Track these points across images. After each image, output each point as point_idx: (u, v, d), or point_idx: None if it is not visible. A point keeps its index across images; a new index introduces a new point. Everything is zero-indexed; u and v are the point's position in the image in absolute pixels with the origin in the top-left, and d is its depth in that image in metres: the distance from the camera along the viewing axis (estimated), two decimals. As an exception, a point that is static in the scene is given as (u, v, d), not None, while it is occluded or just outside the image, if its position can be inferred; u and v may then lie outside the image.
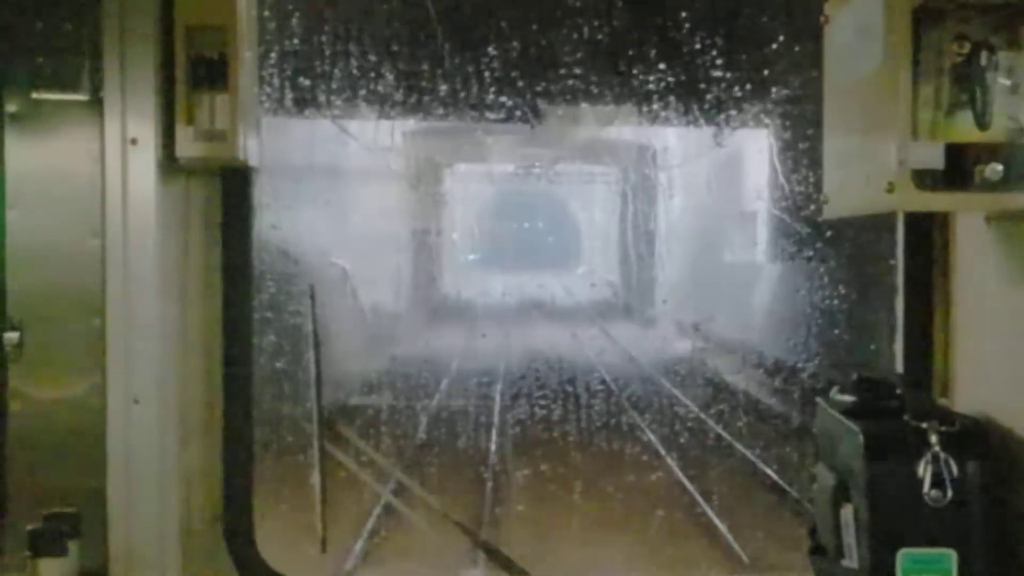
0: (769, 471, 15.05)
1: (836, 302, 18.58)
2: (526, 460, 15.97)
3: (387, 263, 29.20)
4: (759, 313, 23.91)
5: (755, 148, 24.32)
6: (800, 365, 19.65)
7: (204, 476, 3.92)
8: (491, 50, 19.11)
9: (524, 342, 30.23)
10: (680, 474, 15.33)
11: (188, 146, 3.67)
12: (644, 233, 37.19)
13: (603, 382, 22.37)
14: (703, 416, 19.09)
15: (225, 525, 3.93)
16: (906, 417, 3.18)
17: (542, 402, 20.25)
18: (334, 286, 20.02)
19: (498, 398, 20.97)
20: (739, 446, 16.78)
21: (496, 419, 18.82)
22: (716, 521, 12.98)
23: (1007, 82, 2.87)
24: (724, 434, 17.73)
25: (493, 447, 16.90)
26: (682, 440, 17.52)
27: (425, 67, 19.76)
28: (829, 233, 18.28)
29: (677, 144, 32.41)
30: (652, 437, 17.64)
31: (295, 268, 16.09)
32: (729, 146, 26.27)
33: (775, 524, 12.49)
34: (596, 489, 14.25)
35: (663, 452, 16.66)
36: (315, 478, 4.33)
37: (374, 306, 25.40)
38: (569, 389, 21.38)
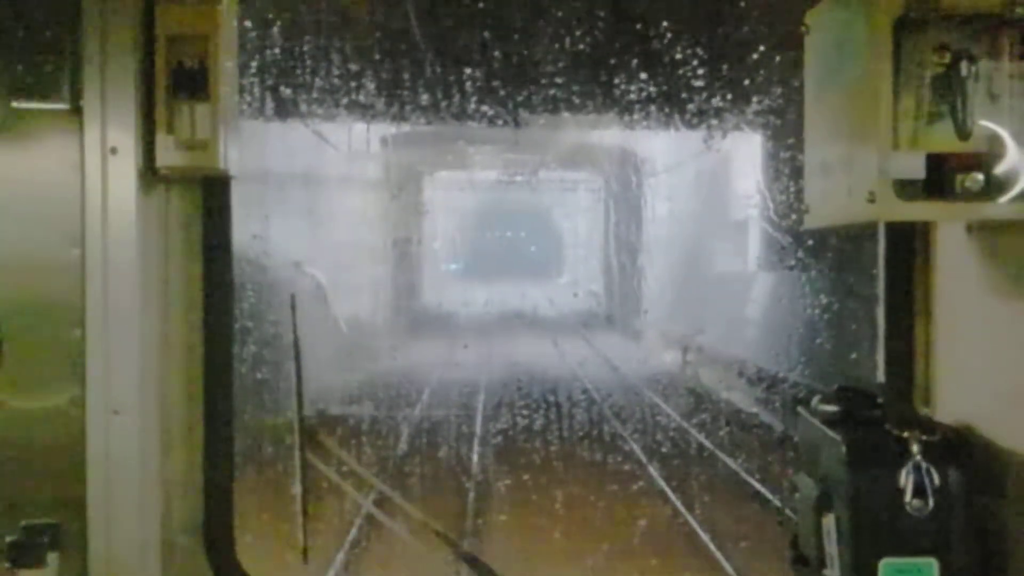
0: (752, 481, 15.04)
1: (819, 312, 18.55)
2: (508, 471, 15.94)
3: (366, 273, 29.11)
4: (745, 324, 23.85)
5: (740, 157, 24.37)
6: (782, 375, 19.65)
7: (184, 487, 3.90)
8: (473, 59, 19.12)
9: (506, 353, 30.21)
10: (663, 484, 15.31)
11: (168, 155, 3.66)
12: (627, 242, 37.19)
13: (585, 391, 22.34)
14: (685, 425, 19.11)
15: (205, 536, 3.91)
16: (887, 426, 3.19)
17: (524, 412, 20.22)
18: (310, 298, 19.92)
19: (480, 408, 20.95)
20: (721, 455, 16.78)
21: (478, 429, 18.76)
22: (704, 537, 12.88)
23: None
24: (706, 443, 17.73)
25: (475, 457, 16.87)
26: (664, 450, 17.51)
27: (407, 76, 19.76)
28: (811, 242, 18.31)
29: (661, 152, 32.45)
30: (635, 447, 17.64)
31: (270, 279, 16.00)
32: (714, 154, 26.29)
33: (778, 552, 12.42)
34: (579, 502, 14.21)
35: (644, 460, 16.66)
36: (296, 487, 4.31)
37: (352, 318, 25.28)
38: (551, 399, 21.37)
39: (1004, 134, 2.88)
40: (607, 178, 41.05)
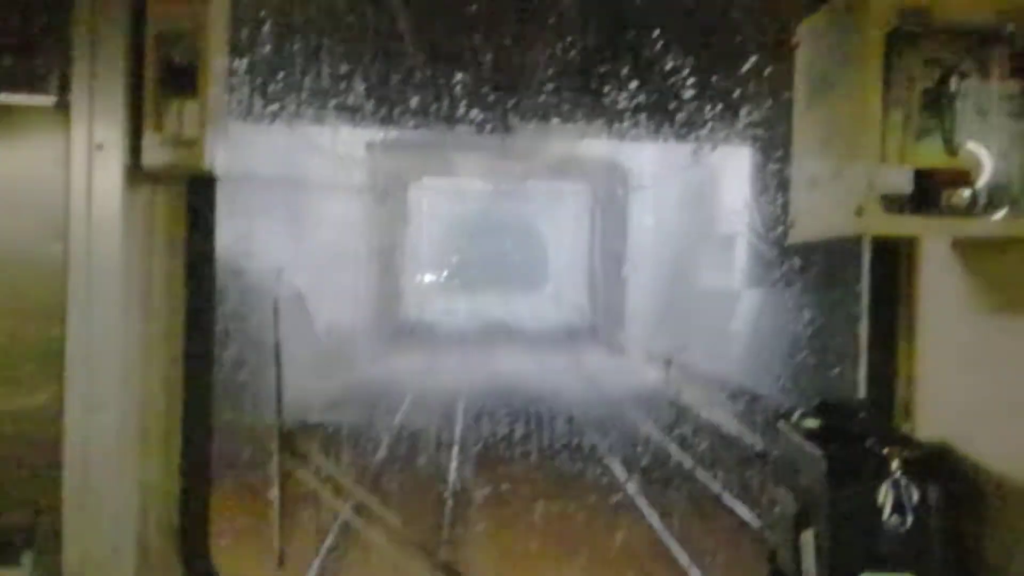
0: (729, 497, 15.02)
1: (803, 328, 18.52)
2: (485, 483, 15.86)
3: (348, 281, 28.96)
4: (729, 340, 23.76)
5: (729, 169, 24.38)
6: (764, 392, 19.62)
7: (161, 489, 3.88)
8: (463, 65, 19.12)
9: (487, 368, 30.11)
10: (639, 498, 15.26)
11: (155, 153, 3.64)
12: (613, 254, 37.21)
13: (569, 414, 22.18)
14: (664, 440, 19.10)
15: (181, 539, 3.89)
16: (868, 442, 3.19)
17: (504, 424, 20.17)
18: (290, 308, 19.75)
19: (459, 424, 20.86)
20: (700, 471, 16.76)
21: (455, 453, 18.47)
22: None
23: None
24: (684, 459, 17.72)
25: (452, 474, 16.74)
26: (643, 463, 17.48)
27: (396, 81, 19.75)
28: (797, 258, 18.31)
29: (649, 164, 32.50)
30: (613, 462, 17.63)
31: (249, 286, 15.89)
32: (702, 168, 26.31)
33: None
34: (554, 516, 14.12)
35: (622, 477, 16.62)
36: (273, 492, 4.29)
37: (333, 326, 25.12)
38: (532, 410, 21.35)
39: (992, 151, 2.89)
40: (594, 189, 41.09)
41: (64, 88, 3.62)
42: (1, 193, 3.62)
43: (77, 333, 3.65)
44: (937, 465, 3.16)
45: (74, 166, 3.64)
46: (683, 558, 12.55)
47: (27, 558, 3.50)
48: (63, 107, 3.63)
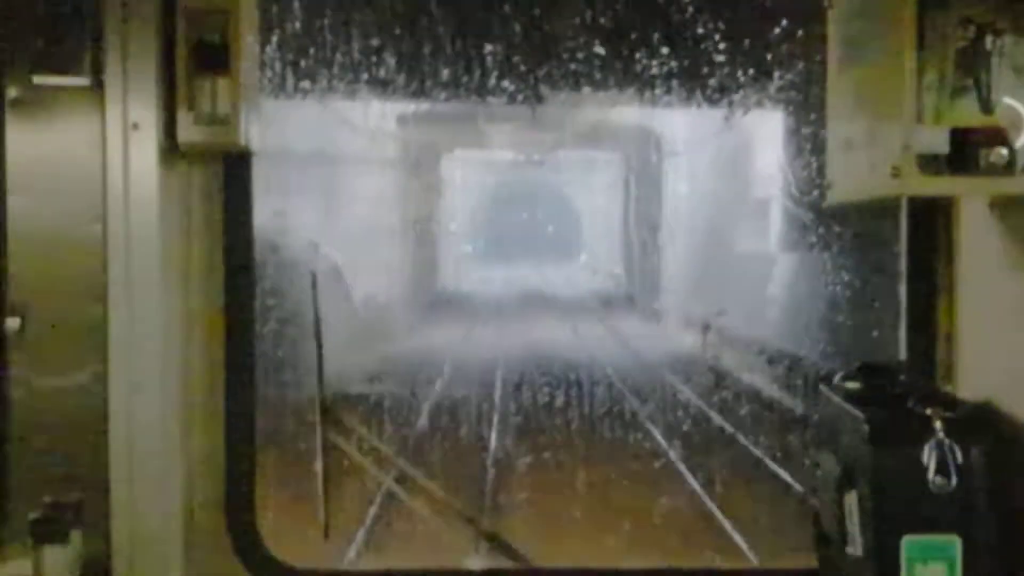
0: (769, 461, 14.98)
1: (842, 291, 18.39)
2: (527, 450, 15.92)
3: (383, 253, 28.99)
4: (766, 305, 23.61)
5: (762, 133, 24.17)
6: (803, 354, 19.52)
7: (207, 463, 3.92)
8: (493, 34, 19.06)
9: (524, 335, 30.13)
10: (678, 461, 15.25)
11: (190, 131, 3.66)
12: (647, 222, 37.02)
13: (610, 385, 22.16)
14: (702, 404, 19.06)
15: (227, 512, 3.93)
16: (910, 403, 3.18)
17: (545, 389, 20.21)
18: (327, 279, 19.78)
19: (498, 388, 20.93)
20: (734, 435, 16.73)
21: (496, 411, 18.64)
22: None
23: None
24: (724, 423, 17.69)
25: (494, 436, 16.83)
26: (683, 428, 17.47)
27: (426, 52, 19.72)
28: (833, 221, 18.18)
29: (683, 129, 32.26)
30: (652, 427, 17.62)
31: (286, 260, 15.93)
32: (736, 132, 26.10)
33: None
34: (595, 479, 14.17)
35: (660, 438, 16.62)
36: (317, 464, 4.32)
37: (370, 298, 25.18)
38: (572, 376, 21.36)
39: (1029, 109, 2.87)
40: (627, 157, 40.86)
41: (98, 69, 3.64)
42: (40, 175, 3.66)
43: (118, 311, 3.68)
44: (981, 425, 3.14)
45: (110, 146, 3.66)
46: (727, 523, 12.52)
47: (76, 536, 3.54)
48: (97, 88, 3.65)
